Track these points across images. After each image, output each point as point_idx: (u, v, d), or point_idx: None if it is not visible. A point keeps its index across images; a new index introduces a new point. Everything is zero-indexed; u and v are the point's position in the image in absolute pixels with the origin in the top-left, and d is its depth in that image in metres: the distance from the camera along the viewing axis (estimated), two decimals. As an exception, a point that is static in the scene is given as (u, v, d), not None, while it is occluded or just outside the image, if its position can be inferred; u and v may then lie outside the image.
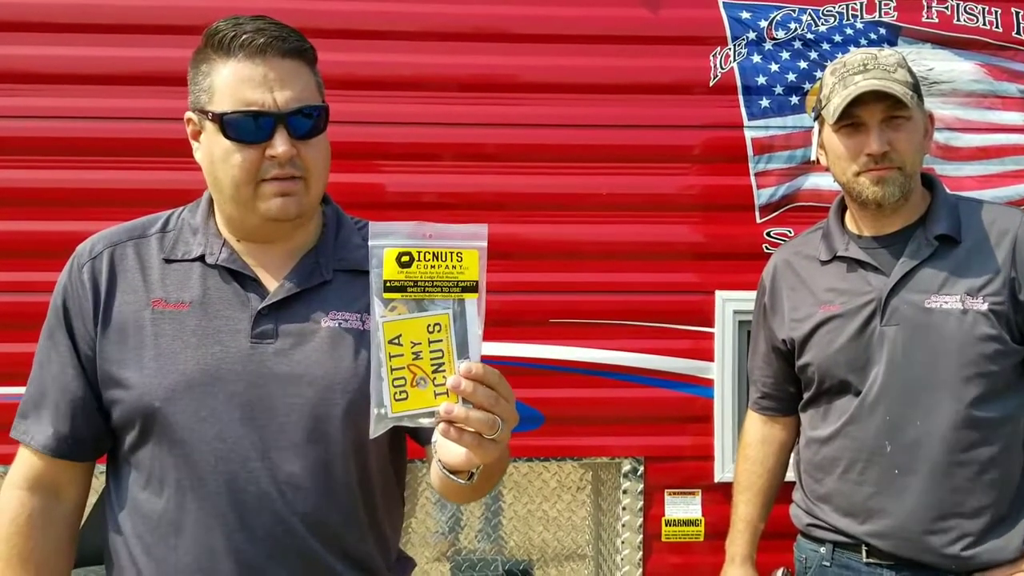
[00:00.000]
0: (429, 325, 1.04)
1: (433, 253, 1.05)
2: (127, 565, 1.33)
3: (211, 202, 1.40)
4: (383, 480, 1.40)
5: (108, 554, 1.37)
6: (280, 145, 1.27)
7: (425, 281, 1.05)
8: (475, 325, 1.06)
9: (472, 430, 1.03)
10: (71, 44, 2.53)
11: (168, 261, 1.35)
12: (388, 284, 1.04)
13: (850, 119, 1.81)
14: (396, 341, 1.03)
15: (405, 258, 1.05)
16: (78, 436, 1.35)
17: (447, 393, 1.03)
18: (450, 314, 1.05)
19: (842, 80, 1.81)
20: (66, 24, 2.53)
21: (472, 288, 1.07)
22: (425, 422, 1.05)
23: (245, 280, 1.34)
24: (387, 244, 1.05)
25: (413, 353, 1.03)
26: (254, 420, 1.28)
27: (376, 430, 1.06)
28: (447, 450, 1.12)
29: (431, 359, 1.04)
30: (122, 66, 2.54)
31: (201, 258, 1.35)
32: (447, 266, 1.06)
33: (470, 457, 1.08)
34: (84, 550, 2.64)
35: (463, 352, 1.05)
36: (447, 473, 1.17)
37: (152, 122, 2.51)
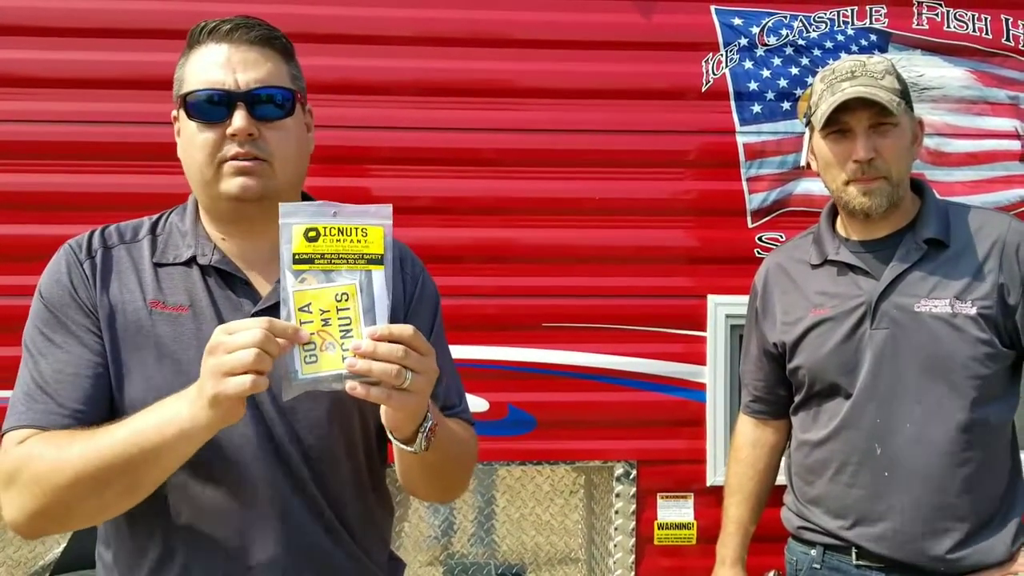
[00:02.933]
0: (337, 294, 1.12)
1: (339, 228, 1.14)
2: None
3: (197, 204, 1.41)
4: (371, 477, 1.43)
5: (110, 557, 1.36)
6: (237, 121, 1.28)
7: (331, 254, 1.13)
8: (382, 295, 1.14)
9: (378, 383, 1.09)
10: (61, 48, 2.54)
11: (159, 265, 1.35)
12: (297, 256, 1.12)
13: (837, 125, 1.83)
14: (306, 309, 1.11)
15: (312, 233, 1.13)
16: (89, 423, 1.24)
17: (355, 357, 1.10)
18: (357, 284, 1.12)
19: (830, 87, 1.83)
20: (56, 28, 2.54)
21: (377, 261, 1.14)
22: (335, 386, 1.11)
23: (236, 283, 1.34)
24: (295, 222, 1.13)
25: (322, 320, 1.10)
26: (258, 422, 1.29)
27: (287, 394, 1.12)
28: (383, 415, 1.19)
29: (339, 326, 1.11)
30: (113, 70, 2.55)
31: (191, 261, 1.35)
32: (352, 240, 1.14)
33: (393, 415, 1.16)
34: (82, 552, 2.64)
35: (370, 320, 1.12)
36: (398, 443, 1.22)
37: (142, 126, 2.51)
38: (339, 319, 1.11)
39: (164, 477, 1.20)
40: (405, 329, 1.11)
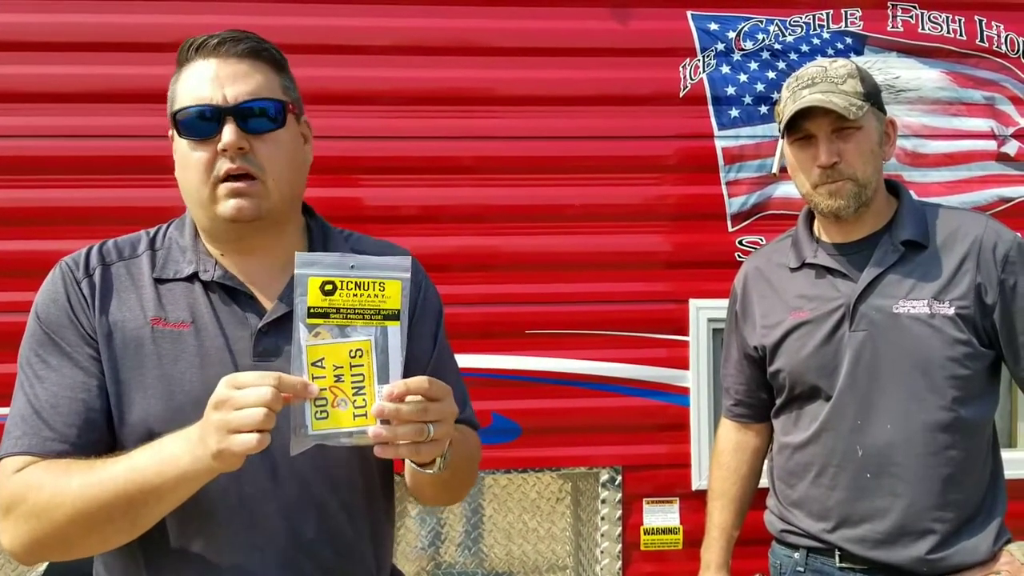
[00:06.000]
0: (351, 350, 1.10)
1: (356, 283, 1.12)
2: None
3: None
4: (383, 491, 1.42)
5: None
6: (226, 136, 1.26)
7: (347, 309, 1.12)
8: (397, 351, 1.12)
9: (404, 442, 1.09)
10: (51, 63, 2.53)
11: (160, 281, 1.33)
12: (312, 310, 1.11)
13: (801, 132, 1.84)
14: (319, 364, 1.09)
15: (328, 286, 1.11)
16: (85, 448, 1.24)
17: (365, 415, 1.09)
18: (372, 340, 1.11)
19: (793, 95, 1.85)
20: (50, 43, 2.53)
21: (394, 316, 1.13)
22: (345, 441, 1.10)
23: (240, 297, 1.32)
24: (312, 273, 1.12)
25: (335, 376, 1.09)
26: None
27: (296, 448, 1.10)
28: None
29: (352, 382, 1.10)
30: (102, 84, 2.54)
31: (193, 277, 1.33)
32: (369, 295, 1.12)
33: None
34: (72, 565, 2.62)
35: (383, 377, 1.11)
36: (417, 467, 1.22)
37: (137, 140, 2.50)
38: (352, 375, 1.09)
39: (165, 513, 1.19)
40: (421, 383, 1.10)
